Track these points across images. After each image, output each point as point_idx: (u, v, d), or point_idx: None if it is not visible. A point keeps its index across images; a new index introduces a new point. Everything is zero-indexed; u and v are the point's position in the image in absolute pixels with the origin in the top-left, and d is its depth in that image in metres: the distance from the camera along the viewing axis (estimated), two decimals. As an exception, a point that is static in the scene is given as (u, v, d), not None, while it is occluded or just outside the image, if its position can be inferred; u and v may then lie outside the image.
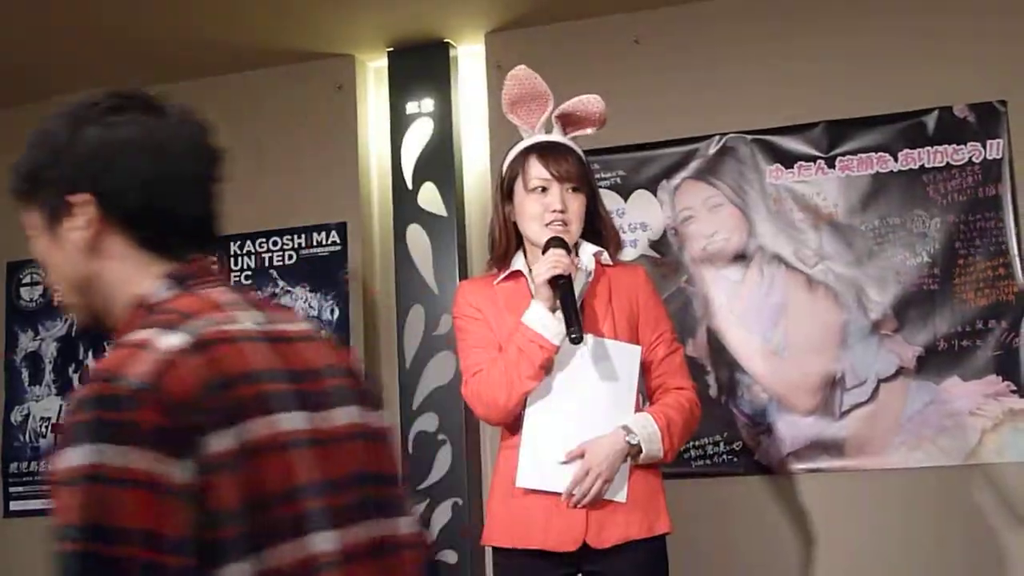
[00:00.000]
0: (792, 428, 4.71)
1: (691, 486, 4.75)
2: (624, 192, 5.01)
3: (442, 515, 5.05)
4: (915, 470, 4.55)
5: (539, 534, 3.05)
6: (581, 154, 3.22)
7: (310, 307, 5.32)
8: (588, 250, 3.19)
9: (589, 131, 3.33)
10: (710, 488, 4.78)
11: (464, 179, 5.31)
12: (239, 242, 5.46)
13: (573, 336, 2.90)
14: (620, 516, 3.03)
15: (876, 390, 4.63)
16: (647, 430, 3.02)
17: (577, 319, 2.92)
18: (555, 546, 3.04)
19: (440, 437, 5.10)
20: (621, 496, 3.03)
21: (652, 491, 3.07)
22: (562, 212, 3.09)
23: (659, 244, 4.96)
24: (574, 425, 3.06)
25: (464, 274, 5.23)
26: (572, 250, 3.10)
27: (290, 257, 5.40)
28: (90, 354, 5.48)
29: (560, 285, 2.97)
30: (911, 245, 4.66)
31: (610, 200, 4.92)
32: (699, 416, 3.17)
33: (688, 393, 3.14)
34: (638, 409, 3.13)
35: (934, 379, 4.56)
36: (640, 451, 3.03)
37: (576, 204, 3.13)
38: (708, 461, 4.80)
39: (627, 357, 3.06)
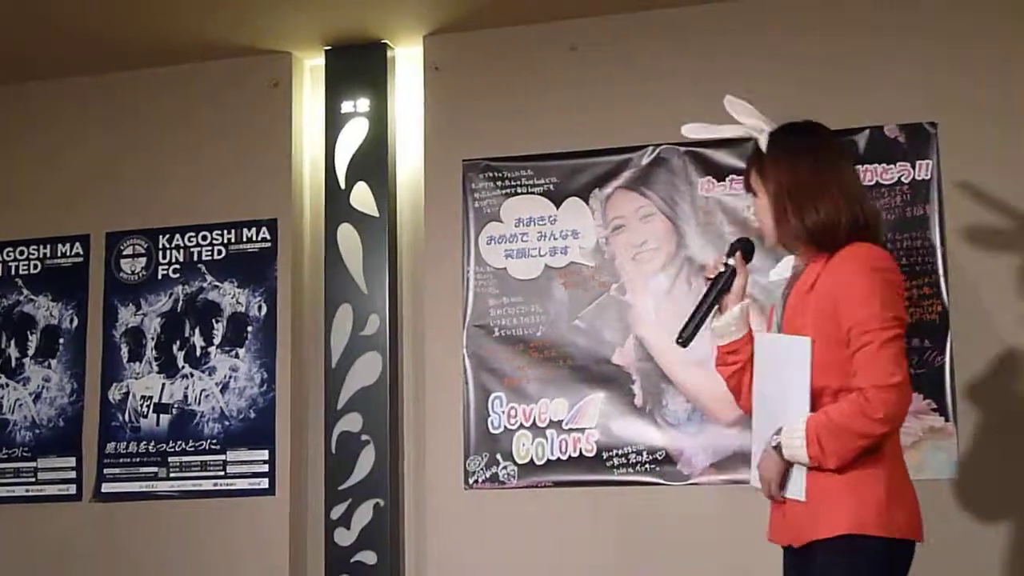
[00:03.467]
0: (715, 439, 4.80)
1: (612, 493, 4.86)
2: (556, 199, 5.10)
3: (363, 516, 5.10)
4: None
5: (770, 528, 3.20)
6: (752, 158, 3.26)
7: (238, 303, 5.35)
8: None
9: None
10: (632, 497, 4.86)
11: (397, 180, 5.36)
12: (167, 235, 5.50)
13: (677, 337, 3.15)
14: (802, 516, 3.01)
15: None
16: (792, 432, 2.94)
17: (691, 321, 3.13)
18: (775, 539, 3.16)
19: (363, 437, 5.15)
20: (799, 494, 2.99)
21: (834, 493, 2.92)
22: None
23: (590, 252, 5.04)
24: (757, 421, 3.16)
25: (394, 275, 5.26)
26: (746, 251, 3.26)
27: (219, 252, 5.43)
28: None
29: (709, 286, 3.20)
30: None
31: (541, 207, 5.09)
32: (879, 418, 2.86)
33: (867, 393, 2.87)
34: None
35: None
36: (781, 452, 3.00)
37: (755, 206, 3.24)
38: (631, 469, 4.87)
39: (795, 350, 2.98)
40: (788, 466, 3.00)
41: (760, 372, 3.15)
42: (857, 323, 2.92)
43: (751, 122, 3.24)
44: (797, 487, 2.99)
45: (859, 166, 4.75)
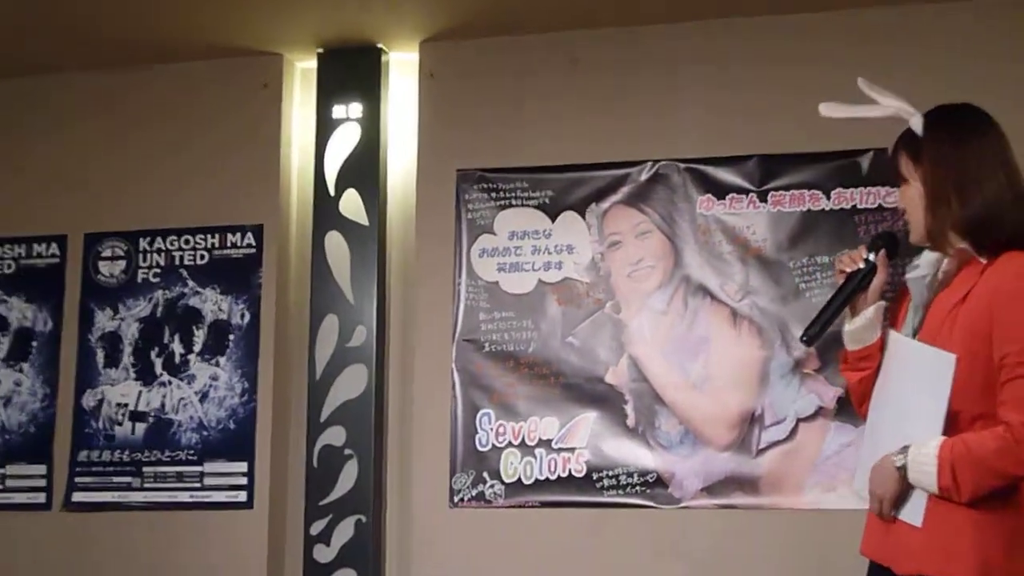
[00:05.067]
0: (708, 463, 4.82)
1: (602, 515, 4.88)
2: (552, 213, 5.12)
3: (344, 532, 5.09)
4: (829, 512, 4.65)
5: (866, 537, 3.06)
6: (903, 142, 3.06)
7: (220, 310, 5.34)
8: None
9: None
10: (622, 519, 4.87)
11: (389, 188, 5.36)
12: (149, 238, 5.49)
13: (803, 335, 3.02)
14: (916, 543, 2.84)
15: (795, 429, 4.76)
16: (922, 457, 2.77)
17: (820, 318, 2.99)
18: (871, 554, 3.02)
19: (347, 452, 5.14)
20: (915, 519, 2.84)
21: (955, 527, 2.75)
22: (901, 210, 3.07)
23: (585, 268, 5.05)
24: (881, 431, 2.99)
25: (383, 286, 5.25)
26: (890, 247, 3.07)
27: (202, 257, 5.41)
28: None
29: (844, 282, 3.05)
30: (838, 285, 4.55)
31: (535, 221, 5.11)
32: (1012, 456, 2.70)
33: (1015, 431, 2.70)
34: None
35: (853, 421, 4.64)
36: (906, 475, 2.84)
37: (901, 195, 3.05)
38: (621, 491, 4.89)
39: (938, 365, 2.78)
40: (907, 487, 2.85)
41: (890, 376, 2.97)
42: (1014, 351, 2.72)
43: (895, 103, 3.07)
44: (915, 511, 2.85)
45: (863, 188, 4.82)
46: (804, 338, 3.05)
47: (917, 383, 2.85)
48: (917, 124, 2.99)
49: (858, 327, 3.06)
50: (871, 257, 3.04)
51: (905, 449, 2.81)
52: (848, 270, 3.07)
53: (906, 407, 2.89)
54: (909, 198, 2.99)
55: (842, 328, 3.10)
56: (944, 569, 2.75)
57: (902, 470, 2.81)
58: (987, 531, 2.75)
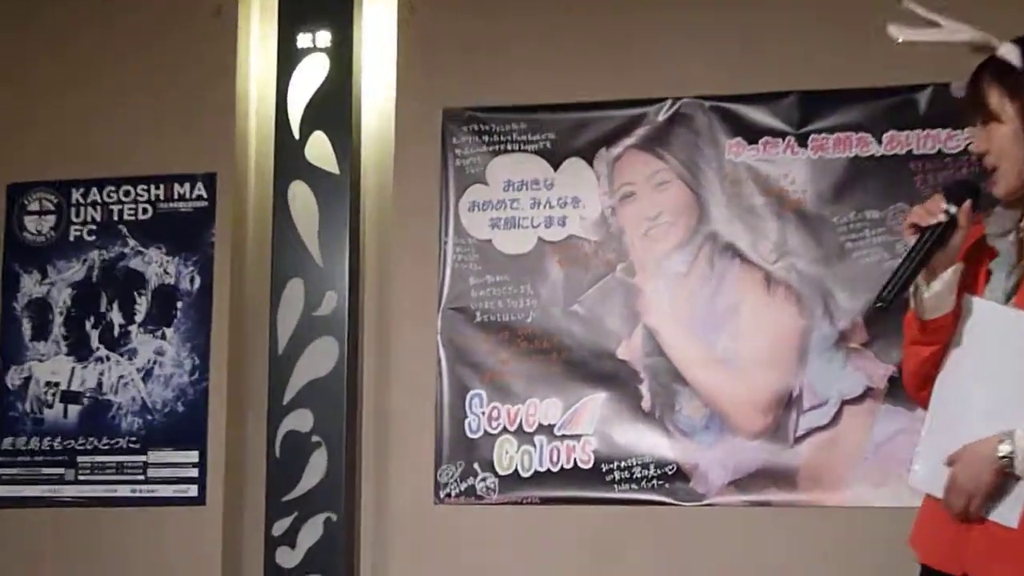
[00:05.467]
0: (737, 452, 4.74)
1: (613, 514, 4.79)
2: (554, 160, 5.00)
3: (311, 532, 5.01)
4: (880, 510, 4.56)
5: (926, 543, 2.92)
6: (993, 74, 2.89)
7: (166, 273, 5.25)
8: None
9: None
10: (636, 518, 4.79)
11: (363, 131, 5.26)
12: (82, 189, 5.37)
13: (877, 299, 2.83)
14: (1013, 549, 2.72)
15: (839, 413, 4.65)
16: None
17: (895, 278, 2.79)
18: (937, 563, 2.86)
19: (314, 439, 5.05)
20: (1010, 520, 2.71)
21: None
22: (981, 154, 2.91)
23: (592, 224, 4.95)
24: (961, 413, 2.83)
25: (356, 244, 5.18)
26: (975, 196, 2.87)
27: (144, 211, 5.31)
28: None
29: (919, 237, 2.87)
30: (891, 244, 4.63)
31: (535, 169, 4.99)
32: None
33: None
34: None
35: (906, 404, 4.50)
36: (1011, 466, 2.71)
37: (988, 138, 2.88)
38: (635, 486, 4.79)
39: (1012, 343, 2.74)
40: (1005, 481, 2.69)
41: (974, 350, 2.81)
42: None
43: (973, 34, 2.89)
44: (1011, 511, 2.69)
45: (920, 130, 4.70)
46: (879, 302, 2.85)
47: (1019, 357, 2.72)
48: (1012, 53, 2.82)
49: (937, 292, 2.87)
50: (951, 209, 2.84)
51: (1010, 435, 2.67)
52: (923, 224, 2.87)
53: (1002, 385, 2.74)
54: (999, 139, 2.82)
55: (911, 294, 2.92)
56: None
57: (1006, 459, 2.65)
58: None
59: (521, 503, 4.86)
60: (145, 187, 5.28)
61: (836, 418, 4.62)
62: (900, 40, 3.02)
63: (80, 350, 5.26)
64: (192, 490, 5.10)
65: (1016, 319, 2.74)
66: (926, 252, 2.85)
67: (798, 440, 4.65)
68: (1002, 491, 2.68)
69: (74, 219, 5.32)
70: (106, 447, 5.18)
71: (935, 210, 2.86)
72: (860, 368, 4.62)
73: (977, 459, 2.70)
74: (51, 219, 5.35)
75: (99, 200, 5.32)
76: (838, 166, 4.72)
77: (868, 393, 4.60)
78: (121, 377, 5.21)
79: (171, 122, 5.30)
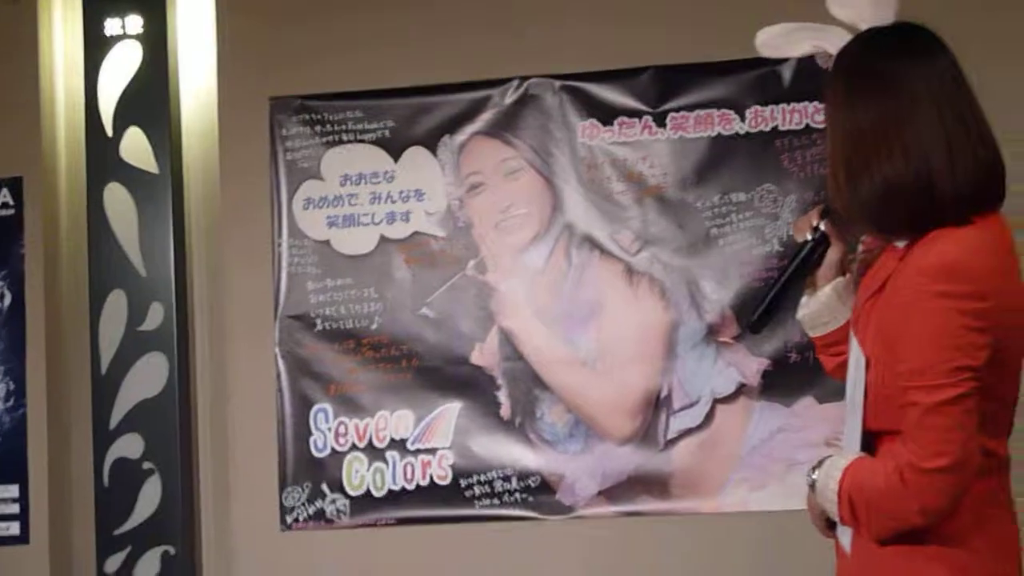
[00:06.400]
0: (605, 460, 4.74)
1: (474, 532, 4.79)
2: (394, 150, 4.96)
3: (148, 568, 4.95)
4: (759, 514, 4.61)
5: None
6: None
7: None
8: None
9: None
10: (500, 536, 4.79)
11: (183, 125, 5.19)
12: None
13: (748, 321, 3.07)
14: (850, 574, 2.75)
15: (711, 413, 4.68)
16: (828, 479, 2.64)
17: (763, 302, 2.83)
18: None
19: (146, 466, 4.99)
20: (845, 543, 2.72)
21: (881, 559, 2.62)
22: None
23: (439, 219, 4.94)
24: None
25: (182, 250, 5.10)
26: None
27: None
28: None
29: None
30: (759, 229, 4.67)
31: (374, 160, 4.94)
32: (915, 509, 2.54)
33: (904, 472, 2.54)
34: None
35: (783, 400, 4.61)
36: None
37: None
38: (496, 500, 4.80)
39: (857, 364, 2.72)
40: None
41: (848, 369, 2.83)
42: (905, 371, 2.52)
43: (849, 15, 2.73)
44: (844, 535, 2.73)
45: (785, 104, 4.70)
46: (750, 325, 2.92)
47: (854, 381, 2.74)
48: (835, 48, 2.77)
49: (812, 312, 2.88)
50: (821, 226, 2.84)
51: (822, 462, 2.68)
52: (799, 239, 2.92)
53: (848, 406, 2.78)
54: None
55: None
56: None
57: (813, 488, 2.68)
58: (918, 569, 2.59)
59: (375, 525, 4.84)
60: (-57, 195, 5.12)
61: (709, 418, 4.64)
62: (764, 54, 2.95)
63: None
64: (14, 527, 5.01)
65: (853, 343, 2.74)
66: (794, 271, 2.87)
67: (669, 444, 4.66)
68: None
69: None
70: (-88, 485, 5.06)
71: (806, 227, 2.87)
72: (732, 364, 4.64)
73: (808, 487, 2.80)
74: None
75: None
76: (700, 146, 4.72)
77: (741, 390, 4.64)
78: (-73, 406, 5.03)
79: (-32, 122, 5.13)
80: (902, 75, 2.62)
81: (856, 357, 2.72)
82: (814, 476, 2.67)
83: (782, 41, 2.88)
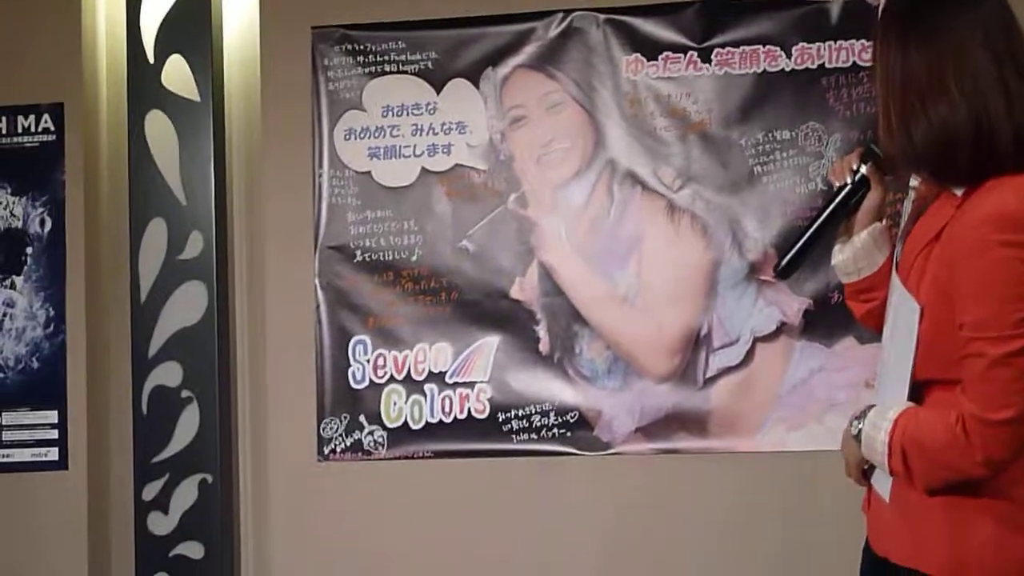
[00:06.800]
0: (643, 397, 4.75)
1: (511, 467, 4.80)
2: (436, 82, 4.94)
3: (185, 495, 4.97)
4: (797, 454, 4.63)
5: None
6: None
7: (13, 215, 5.14)
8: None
9: None
10: (536, 470, 4.81)
11: (224, 53, 5.16)
12: None
13: (776, 265, 2.96)
14: (887, 523, 2.78)
15: (751, 352, 4.69)
16: (874, 430, 2.67)
17: (798, 245, 2.89)
18: (870, 537, 2.91)
19: (184, 394, 5.00)
20: (883, 491, 2.75)
21: (925, 509, 2.64)
22: None
23: (480, 152, 4.91)
24: (880, 382, 2.88)
25: (222, 179, 5.08)
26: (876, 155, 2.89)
27: None
28: None
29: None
30: (803, 167, 4.65)
31: (416, 92, 4.93)
32: (977, 460, 2.54)
33: (967, 423, 2.55)
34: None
35: (824, 340, 4.61)
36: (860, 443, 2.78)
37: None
38: (534, 435, 4.80)
39: (906, 312, 2.69)
40: None
41: (888, 318, 2.83)
42: (968, 322, 2.52)
43: None
44: (883, 484, 2.75)
45: (832, 42, 4.68)
46: (777, 269, 2.96)
47: (894, 328, 2.77)
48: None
49: (846, 257, 2.94)
50: (862, 169, 2.88)
51: (866, 412, 2.73)
52: (837, 184, 2.94)
53: (887, 357, 2.81)
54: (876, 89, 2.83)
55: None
56: (911, 558, 2.66)
57: (858, 438, 2.73)
58: (964, 519, 2.62)
59: (412, 458, 4.86)
60: (-17, 121, 5.21)
61: (748, 357, 4.65)
62: None
63: (-81, 303, 5.20)
64: (52, 453, 5.04)
65: (897, 291, 2.75)
66: (831, 216, 2.90)
67: (708, 382, 4.67)
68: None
69: (-97, 160, 5.23)
70: (-47, 410, 5.16)
71: (845, 170, 2.89)
72: (773, 303, 4.63)
73: (846, 431, 2.79)
74: None
75: (-69, 137, 5.26)
76: (745, 83, 4.69)
77: (782, 329, 4.63)
78: (-33, 332, 5.16)
79: (10, 47, 5.15)
80: (954, 19, 2.61)
81: (898, 306, 2.72)
82: (860, 426, 2.71)
83: None
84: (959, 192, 2.60)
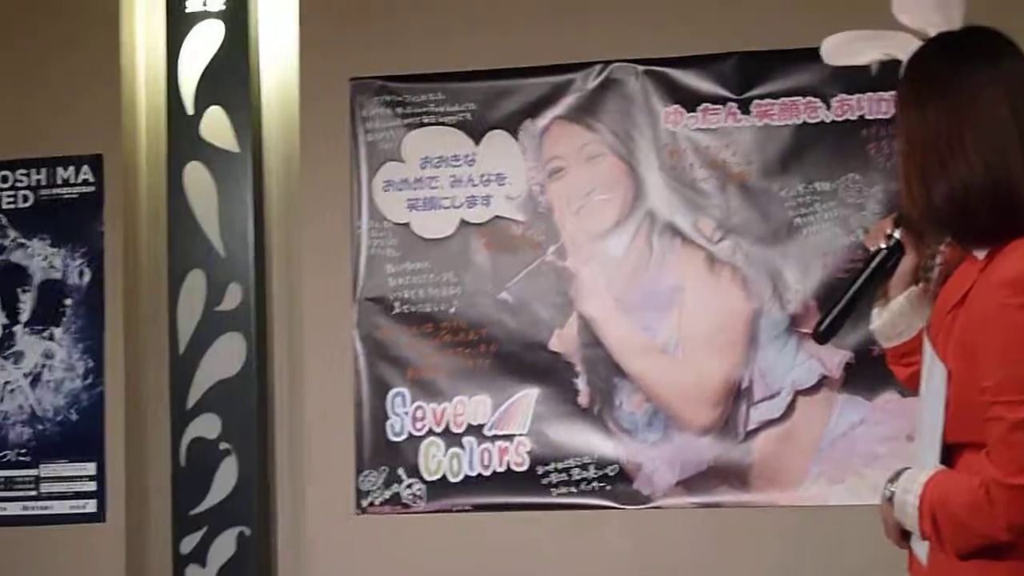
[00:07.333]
0: (684, 449, 4.76)
1: (551, 520, 4.81)
2: (475, 133, 4.97)
3: (223, 548, 5.00)
4: (837, 508, 4.62)
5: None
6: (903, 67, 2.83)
7: (52, 267, 5.18)
8: None
9: None
10: (576, 524, 4.80)
11: (263, 104, 5.24)
12: None
13: (814, 329, 2.91)
14: None
15: (792, 405, 4.70)
16: (909, 489, 2.64)
17: (836, 308, 2.83)
18: None
19: (223, 446, 5.04)
20: (921, 556, 2.72)
21: (959, 572, 2.62)
22: None
23: (519, 203, 4.94)
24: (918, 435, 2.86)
25: (261, 230, 5.15)
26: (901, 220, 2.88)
27: (25, 199, 5.25)
28: None
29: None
30: (843, 219, 4.67)
31: (455, 143, 4.97)
32: (1001, 525, 2.53)
33: (990, 489, 2.52)
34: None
35: (865, 393, 4.62)
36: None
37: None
38: (574, 488, 4.81)
39: (938, 377, 2.69)
40: None
41: (923, 379, 2.82)
42: (990, 385, 2.51)
43: (916, 22, 2.77)
44: (919, 547, 2.72)
45: (872, 93, 4.70)
46: (816, 334, 2.93)
47: (927, 391, 2.74)
48: (905, 56, 2.77)
49: (886, 322, 2.92)
50: (896, 234, 2.84)
51: (899, 474, 2.69)
52: (872, 248, 2.93)
53: (920, 417, 2.78)
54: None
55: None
56: None
57: (891, 501, 2.69)
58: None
59: (451, 511, 4.86)
60: (25, 172, 5.22)
61: (789, 410, 4.66)
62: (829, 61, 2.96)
63: (-41, 354, 5.18)
64: (90, 506, 5.06)
65: (928, 353, 2.75)
66: (867, 280, 2.89)
67: (749, 435, 4.68)
68: None
69: (-53, 208, 5.24)
70: (-8, 461, 5.13)
71: (879, 235, 2.88)
72: (814, 355, 4.63)
73: (882, 497, 2.76)
74: (-79, 209, 5.28)
75: (-27, 187, 5.24)
76: (785, 134, 4.72)
77: (823, 382, 4.64)
78: (7, 383, 5.15)
79: (51, 99, 5.21)
80: (973, 79, 2.62)
81: (930, 368, 2.70)
82: (893, 489, 2.67)
83: (848, 49, 2.91)
84: (982, 255, 2.59)
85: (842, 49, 2.91)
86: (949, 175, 2.57)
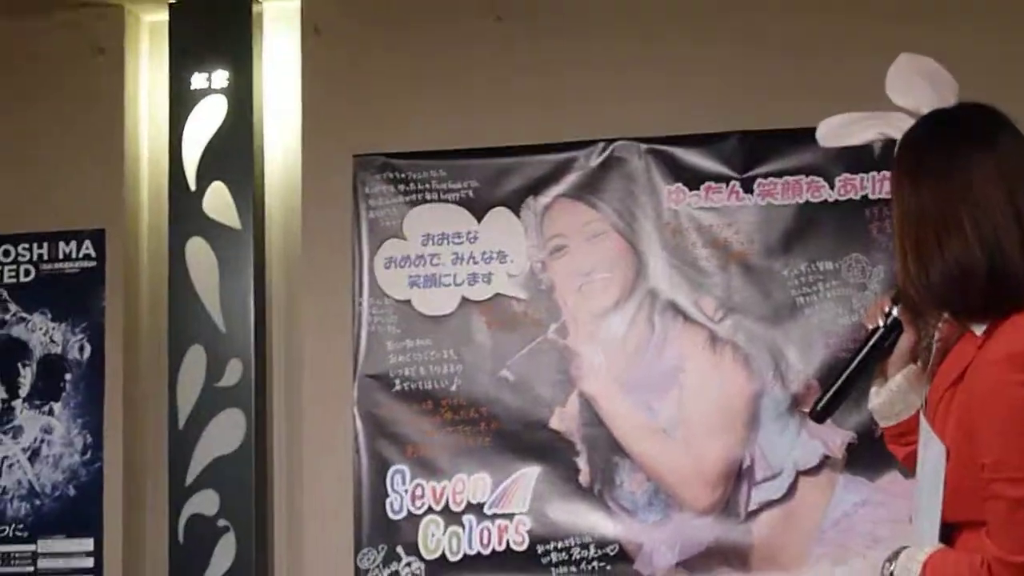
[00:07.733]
0: (684, 530, 4.74)
1: None
2: (477, 210, 5.00)
3: None
4: None
5: None
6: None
7: (52, 341, 5.20)
8: None
9: None
10: None
11: (266, 181, 5.25)
12: None
13: (812, 409, 2.91)
14: None
15: (794, 485, 4.68)
16: (906, 571, 2.62)
17: (833, 389, 2.83)
18: None
19: (221, 523, 5.03)
20: None
21: None
22: None
23: (520, 281, 4.95)
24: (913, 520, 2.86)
25: (262, 306, 5.15)
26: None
27: (26, 273, 5.29)
28: None
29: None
30: (846, 299, 4.68)
31: (456, 220, 5.00)
32: None
33: (991, 567, 2.54)
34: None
35: (868, 474, 4.60)
36: None
37: None
38: (574, 568, 4.78)
39: (933, 452, 2.70)
40: None
41: (920, 458, 2.84)
42: (989, 462, 2.52)
43: (910, 102, 2.79)
44: None
45: (875, 172, 4.68)
46: (813, 413, 2.93)
47: (923, 470, 2.74)
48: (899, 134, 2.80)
49: (884, 401, 2.91)
50: (894, 312, 2.84)
51: (897, 554, 2.67)
52: (870, 327, 2.91)
53: (919, 496, 2.77)
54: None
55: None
56: None
57: None
58: None
59: None
60: (27, 246, 5.25)
61: (791, 491, 4.64)
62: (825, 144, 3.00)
63: (-42, 429, 5.13)
64: None
65: (925, 432, 2.75)
66: (865, 359, 2.87)
67: (750, 515, 4.65)
68: None
69: (-51, 282, 5.21)
70: (-10, 536, 5.08)
71: (876, 314, 2.87)
72: (816, 436, 4.62)
73: (880, 573, 2.75)
74: (-78, 284, 5.24)
75: (-26, 262, 5.23)
76: (787, 213, 4.73)
77: (825, 463, 4.62)
78: (5, 458, 5.15)
79: (54, 173, 5.25)
80: (967, 156, 2.63)
81: (926, 445, 2.70)
82: (891, 568, 2.65)
83: (844, 131, 2.92)
84: (980, 331, 2.60)
85: (837, 132, 2.93)
86: (945, 253, 2.58)
